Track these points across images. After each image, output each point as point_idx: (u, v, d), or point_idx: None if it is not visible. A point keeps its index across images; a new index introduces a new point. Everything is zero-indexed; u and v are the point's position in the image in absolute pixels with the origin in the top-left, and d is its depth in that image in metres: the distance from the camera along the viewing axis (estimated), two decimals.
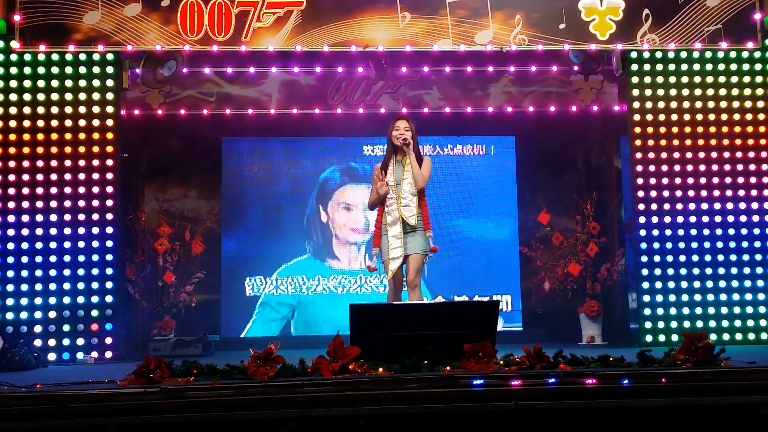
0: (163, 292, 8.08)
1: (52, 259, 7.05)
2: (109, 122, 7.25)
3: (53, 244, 7.06)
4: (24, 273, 7.01)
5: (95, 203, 7.16)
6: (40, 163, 7.13)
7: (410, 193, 6.06)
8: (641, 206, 7.47)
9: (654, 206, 7.46)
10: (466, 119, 8.57)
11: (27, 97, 7.18)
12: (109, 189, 7.19)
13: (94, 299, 7.05)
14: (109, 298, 7.08)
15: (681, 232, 7.43)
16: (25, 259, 7.03)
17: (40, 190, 7.10)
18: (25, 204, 7.08)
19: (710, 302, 7.36)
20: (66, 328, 6.97)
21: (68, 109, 7.21)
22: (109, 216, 7.17)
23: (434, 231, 5.97)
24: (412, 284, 6.00)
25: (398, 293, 6.08)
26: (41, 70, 7.21)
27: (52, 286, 7.02)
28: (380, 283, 8.59)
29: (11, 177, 7.10)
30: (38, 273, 7.02)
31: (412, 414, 3.92)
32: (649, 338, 7.27)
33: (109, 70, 7.29)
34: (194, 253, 8.24)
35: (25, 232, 7.05)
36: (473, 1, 7.31)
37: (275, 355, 4.36)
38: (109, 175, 7.20)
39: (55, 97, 7.21)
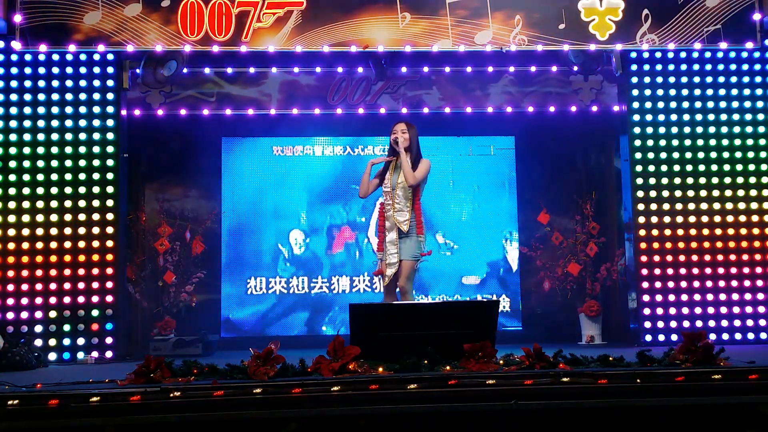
0: (163, 292, 8.10)
1: (52, 259, 7.05)
2: (109, 122, 7.27)
3: (53, 244, 7.07)
4: (24, 273, 7.01)
5: (95, 203, 7.17)
6: (40, 163, 7.14)
7: (404, 197, 6.06)
8: (641, 206, 7.47)
9: (654, 206, 7.46)
10: (466, 119, 8.56)
11: (27, 97, 7.20)
12: (109, 189, 7.20)
13: (95, 299, 7.05)
14: (109, 298, 7.08)
15: (681, 232, 7.44)
16: (25, 259, 7.03)
17: (40, 190, 7.11)
18: (26, 204, 7.09)
19: (710, 302, 7.36)
20: (66, 327, 6.98)
21: (68, 109, 7.23)
22: (109, 216, 7.18)
23: (434, 231, 5.96)
24: (403, 290, 6.00)
25: (392, 298, 6.08)
26: (41, 70, 7.23)
27: (52, 286, 7.02)
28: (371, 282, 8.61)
29: (12, 177, 7.11)
30: (38, 273, 7.02)
31: (412, 414, 3.93)
32: (648, 338, 7.27)
33: (110, 70, 7.31)
34: (194, 253, 8.26)
35: (25, 232, 7.05)
36: (473, 1, 7.31)
37: (275, 355, 4.37)
38: (109, 175, 7.21)
39: (55, 97, 7.23)
